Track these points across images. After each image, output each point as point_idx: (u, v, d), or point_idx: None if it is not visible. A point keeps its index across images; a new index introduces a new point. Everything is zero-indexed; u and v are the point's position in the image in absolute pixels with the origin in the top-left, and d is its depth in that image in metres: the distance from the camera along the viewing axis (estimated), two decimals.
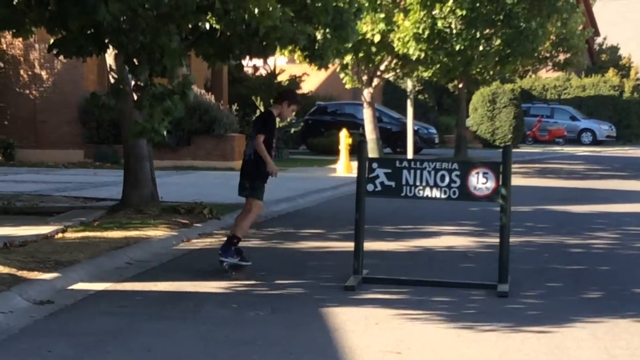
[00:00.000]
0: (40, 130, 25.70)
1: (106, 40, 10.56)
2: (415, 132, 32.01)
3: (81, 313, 8.04)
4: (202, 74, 29.20)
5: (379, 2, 25.23)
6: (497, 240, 9.46)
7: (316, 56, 14.25)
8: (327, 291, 9.14)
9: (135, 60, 10.41)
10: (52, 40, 10.94)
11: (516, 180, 21.39)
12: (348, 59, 27.10)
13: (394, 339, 7.34)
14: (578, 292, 9.41)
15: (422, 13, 24.86)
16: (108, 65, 13.19)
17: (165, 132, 10.60)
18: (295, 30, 12.02)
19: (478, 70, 29.57)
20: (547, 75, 51.83)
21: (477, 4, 25.23)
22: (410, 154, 28.45)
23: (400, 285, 9.45)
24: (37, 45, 24.52)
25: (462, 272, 10.40)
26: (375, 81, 28.99)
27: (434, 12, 24.95)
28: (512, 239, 10.41)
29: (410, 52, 25.20)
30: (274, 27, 11.22)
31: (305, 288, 9.35)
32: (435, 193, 9.57)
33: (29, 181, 19.28)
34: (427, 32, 24.87)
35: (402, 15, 25.49)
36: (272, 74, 34.30)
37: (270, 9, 11.00)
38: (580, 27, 35.43)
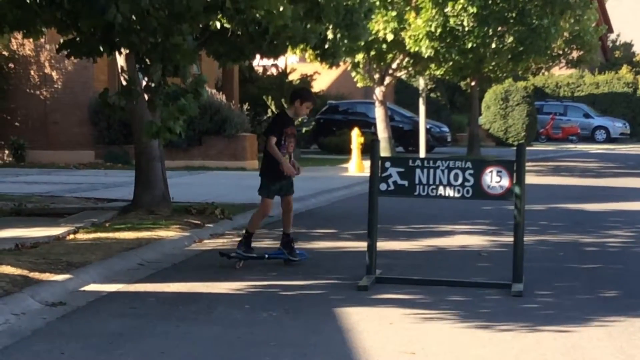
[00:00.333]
0: (50, 131, 25.73)
1: (117, 41, 10.53)
2: (428, 131, 31.91)
3: (93, 314, 8.00)
4: (213, 74, 29.17)
5: (390, 0, 25.15)
6: (511, 239, 9.38)
7: (327, 55, 14.21)
8: (340, 291, 9.08)
9: (147, 60, 10.38)
10: (61, 41, 10.91)
11: (530, 179, 21.28)
12: (359, 57, 27.04)
13: (408, 339, 7.28)
14: (593, 291, 9.33)
15: (434, 11, 24.79)
16: (119, 67, 13.17)
17: (180, 131, 10.57)
18: (306, 29, 11.97)
19: (490, 68, 29.48)
20: (560, 73, 51.67)
21: (489, 2, 25.15)
22: (422, 153, 28.37)
23: (414, 285, 9.38)
24: (47, 46, 24.55)
25: (476, 271, 10.33)
26: (387, 80, 28.94)
27: (445, 10, 24.88)
28: (526, 238, 10.33)
29: (422, 50, 25.13)
30: (285, 26, 11.17)
31: (318, 288, 9.29)
32: (449, 192, 9.51)
33: (40, 182, 19.29)
34: (439, 30, 24.80)
35: (413, 13, 25.42)
36: (283, 73, 34.27)
37: (281, 8, 10.95)
38: (594, 24, 35.26)
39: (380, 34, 25.36)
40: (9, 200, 15.23)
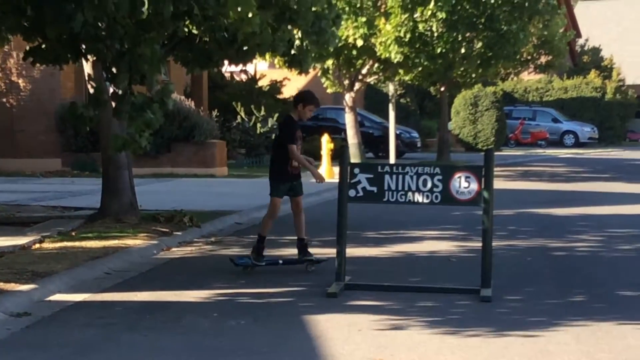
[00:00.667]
0: (17, 139, 25.47)
1: (83, 48, 10.45)
2: (398, 136, 31.96)
3: (59, 325, 7.91)
4: (182, 80, 29.06)
5: (359, 6, 25.17)
6: (480, 244, 9.39)
7: (296, 62, 14.14)
8: (309, 298, 9.05)
9: (113, 68, 10.30)
10: (27, 48, 10.80)
11: (499, 184, 21.34)
12: (329, 63, 27.04)
13: (377, 346, 7.26)
14: (561, 295, 9.36)
15: (403, 16, 24.83)
16: (86, 74, 13.06)
17: (145, 144, 10.50)
18: (275, 36, 11.93)
19: (460, 73, 29.56)
20: (529, 78, 51.93)
21: (459, 7, 25.22)
22: (392, 158, 28.40)
23: (383, 291, 9.37)
24: (14, 53, 24.32)
25: (446, 277, 10.32)
26: (357, 85, 28.95)
27: (415, 16, 24.92)
28: (495, 243, 10.35)
29: (392, 55, 25.16)
30: (253, 33, 11.12)
31: (287, 296, 9.26)
32: (418, 198, 9.51)
33: (6, 191, 19.08)
34: (408, 36, 24.85)
35: (383, 19, 25.45)
36: (253, 79, 34.20)
37: (250, 15, 10.90)
38: (562, 29, 35.48)
39: (350, 40, 25.36)
40: None
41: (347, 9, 24.40)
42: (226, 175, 24.71)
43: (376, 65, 27.81)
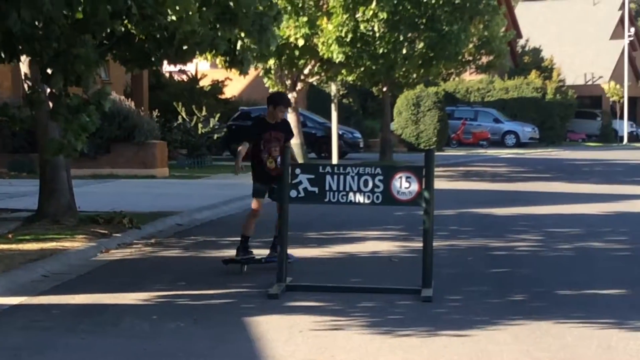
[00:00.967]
0: None
1: (18, 48, 10.25)
2: (340, 137, 31.98)
3: None
4: (122, 80, 28.76)
5: (301, 5, 25.13)
6: (422, 244, 9.41)
7: (237, 62, 14.03)
8: (250, 300, 9.00)
9: (48, 69, 10.14)
10: None
11: (441, 184, 21.52)
12: (271, 63, 26.95)
13: (318, 347, 7.24)
14: (502, 295, 9.41)
15: (345, 16, 24.84)
16: (23, 74, 12.83)
17: (81, 148, 10.36)
18: (215, 35, 11.83)
19: (402, 73, 29.67)
20: (471, 78, 52.37)
21: (400, 8, 25.30)
22: (335, 159, 28.41)
23: (325, 292, 9.34)
24: None
25: (387, 277, 10.33)
26: (299, 85, 28.92)
27: (356, 16, 24.96)
28: (436, 243, 10.39)
29: (334, 55, 25.17)
30: (193, 32, 11.01)
31: (227, 297, 9.19)
32: (359, 198, 9.51)
33: None
34: (350, 36, 24.87)
35: (325, 18, 25.44)
36: (194, 79, 33.98)
37: (190, 13, 10.80)
38: (503, 30, 35.79)
39: (292, 40, 25.32)
40: None
41: (288, 8, 24.34)
42: (167, 176, 24.50)
43: (318, 65, 27.80)
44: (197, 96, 32.35)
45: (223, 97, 35.07)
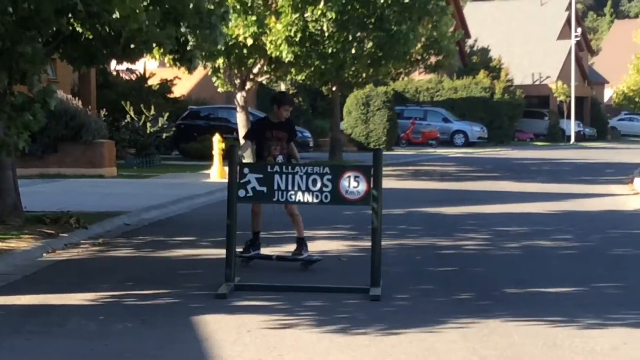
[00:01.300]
0: None
1: None
2: None
3: None
4: (69, 78, 28.45)
5: (250, 4, 25.06)
6: (370, 243, 9.43)
7: (185, 60, 13.95)
8: (198, 300, 8.96)
9: None
10: None
11: (390, 183, 21.64)
12: (220, 62, 26.83)
13: (266, 347, 7.23)
14: (450, 293, 9.46)
15: (293, 16, 24.81)
16: None
17: (23, 146, 10.22)
18: (162, 33, 11.74)
19: (351, 73, 29.71)
20: (420, 78, 52.62)
21: (349, 7, 25.32)
22: None
23: (273, 291, 9.34)
24: None
25: (336, 276, 10.34)
26: (248, 85, 28.83)
27: (305, 15, 24.94)
28: (385, 242, 10.44)
29: (283, 55, 25.13)
30: (140, 30, 10.93)
31: (176, 297, 9.14)
32: (308, 197, 9.53)
33: None
34: (299, 35, 24.85)
35: (274, 17, 25.39)
36: (142, 78, 33.74)
37: (137, 11, 10.71)
38: (451, 30, 36.02)
39: (241, 39, 25.23)
40: None
41: (237, 7, 24.25)
42: (115, 175, 24.30)
43: (267, 64, 27.75)
44: (145, 95, 32.11)
45: (172, 96, 34.86)
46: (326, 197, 9.49)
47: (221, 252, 10.05)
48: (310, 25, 24.86)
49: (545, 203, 19.12)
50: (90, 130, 24.17)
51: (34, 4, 9.54)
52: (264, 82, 33.69)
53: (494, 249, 12.68)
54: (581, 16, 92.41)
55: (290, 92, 39.25)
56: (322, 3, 24.47)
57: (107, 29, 10.98)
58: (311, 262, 10.81)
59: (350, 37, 25.86)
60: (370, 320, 8.09)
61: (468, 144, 50.03)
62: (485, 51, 61.20)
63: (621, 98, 64.55)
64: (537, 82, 65.67)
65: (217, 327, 7.85)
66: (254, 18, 24.69)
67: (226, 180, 9.88)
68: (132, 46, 11.65)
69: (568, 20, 68.94)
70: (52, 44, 12.02)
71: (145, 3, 11.32)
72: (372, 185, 9.35)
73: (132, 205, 16.40)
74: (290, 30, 24.73)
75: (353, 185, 9.42)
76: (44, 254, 11.55)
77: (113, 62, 14.28)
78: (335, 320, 8.12)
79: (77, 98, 25.66)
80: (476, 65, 58.59)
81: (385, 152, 33.80)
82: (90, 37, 11.57)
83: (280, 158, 10.70)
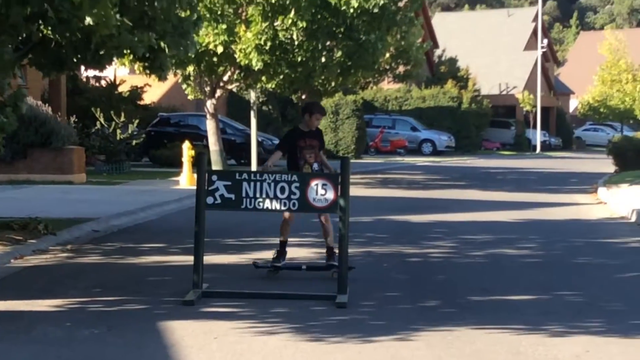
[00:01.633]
0: None
1: None
2: (260, 144, 32.03)
3: None
4: (39, 84, 28.34)
5: (220, 13, 25.11)
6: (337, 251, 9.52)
7: (156, 67, 13.98)
8: (165, 306, 8.99)
9: None
10: None
11: (358, 191, 21.75)
12: (190, 69, 26.86)
13: (233, 354, 7.29)
14: (416, 301, 9.57)
15: (264, 24, 24.87)
16: None
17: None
18: (133, 39, 11.77)
19: (320, 81, 29.80)
20: (389, 87, 52.86)
21: (318, 16, 25.44)
22: (254, 166, 28.44)
23: (241, 298, 9.40)
24: None
25: (303, 283, 10.41)
26: (219, 92, 28.85)
27: (275, 24, 25.01)
28: (352, 250, 10.55)
29: (253, 63, 25.17)
30: (110, 36, 10.95)
31: (143, 304, 9.16)
32: (275, 205, 9.60)
33: None
34: (269, 44, 24.90)
35: (244, 26, 25.46)
36: (113, 85, 33.69)
37: (108, 17, 10.72)
38: (419, 40, 36.20)
39: (211, 47, 25.26)
40: None
41: (207, 15, 24.29)
42: (85, 182, 24.24)
43: (237, 72, 27.79)
44: (115, 102, 32.08)
45: (142, 103, 34.85)
46: (294, 204, 9.59)
47: (190, 259, 10.08)
48: (280, 34, 24.93)
49: (510, 212, 19.31)
50: (60, 136, 24.12)
51: (3, 9, 9.55)
52: (234, 89, 33.71)
53: (460, 257, 12.81)
54: (547, 27, 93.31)
55: (260, 100, 39.32)
56: (292, 12, 24.54)
57: (78, 35, 11.00)
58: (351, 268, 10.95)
59: (320, 46, 25.96)
60: (337, 328, 8.17)
61: (436, 152, 50.34)
62: (453, 61, 61.60)
63: (586, 108, 65.15)
64: (504, 92, 66.22)
65: (184, 333, 7.89)
66: (224, 26, 24.72)
67: (195, 187, 9.93)
68: (102, 52, 11.67)
69: (535, 32, 69.62)
70: (22, 50, 12.03)
71: (115, 9, 11.33)
72: (339, 193, 9.45)
73: (101, 211, 16.40)
74: (260, 39, 24.78)
75: (321, 193, 9.51)
76: (12, 260, 11.53)
77: (83, 69, 14.26)
78: (301, 327, 8.19)
79: (47, 104, 25.59)
80: (444, 75, 58.98)
81: (354, 161, 33.95)
82: (61, 43, 11.59)
83: (315, 166, 10.89)
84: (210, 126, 29.02)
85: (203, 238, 9.62)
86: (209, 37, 24.72)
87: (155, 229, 15.55)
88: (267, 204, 9.59)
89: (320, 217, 10.85)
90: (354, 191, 9.64)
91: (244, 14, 25.86)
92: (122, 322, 8.31)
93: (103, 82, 33.93)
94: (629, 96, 62.31)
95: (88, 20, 10.57)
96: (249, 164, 30.02)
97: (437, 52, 62.48)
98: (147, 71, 14.46)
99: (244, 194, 9.59)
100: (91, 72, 30.77)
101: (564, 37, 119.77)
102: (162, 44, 12.77)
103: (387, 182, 29.03)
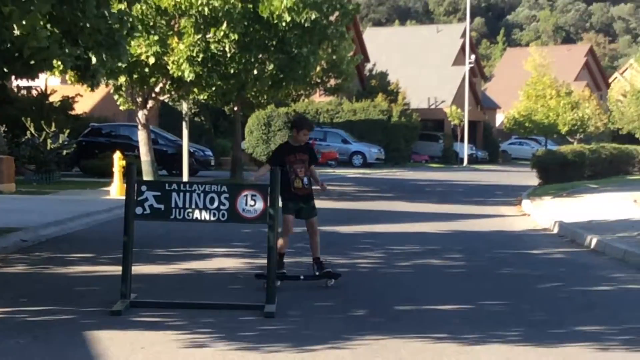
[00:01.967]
0: None
1: None
2: (191, 154, 32.00)
3: None
4: None
5: (152, 24, 25.08)
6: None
7: (87, 77, 13.95)
8: (93, 317, 8.99)
9: None
10: None
11: None
12: (122, 80, 26.76)
13: None
14: (343, 310, 9.70)
15: (196, 37, 24.93)
16: None
17: None
18: (63, 51, 11.76)
19: (252, 93, 29.95)
20: (320, 100, 53.18)
21: (251, 29, 25.59)
22: (185, 176, 28.40)
23: (169, 308, 9.44)
24: None
25: (232, 293, 10.50)
26: (150, 103, 28.77)
27: (207, 36, 25.09)
28: None
29: (185, 74, 25.19)
30: (40, 48, 10.93)
31: (70, 314, 9.14)
32: (205, 215, 9.67)
33: None
34: (201, 55, 24.96)
35: (176, 38, 25.47)
36: (43, 95, 33.36)
37: (36, 29, 10.71)
38: (350, 54, 36.54)
39: (143, 58, 25.21)
40: None
41: (139, 26, 24.24)
42: (14, 191, 23.98)
43: (169, 83, 27.76)
44: (46, 112, 31.78)
45: (73, 113, 34.51)
46: (223, 215, 9.66)
47: (118, 269, 10.08)
48: (213, 46, 25.00)
49: (437, 223, 19.61)
50: None
51: None
52: (166, 100, 33.64)
53: (387, 267, 13.00)
54: (475, 43, 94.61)
55: (192, 111, 39.27)
56: (224, 25, 24.63)
57: (8, 46, 10.96)
58: (337, 275, 11.35)
59: (252, 59, 26.11)
60: (264, 337, 8.26)
61: (366, 164, 50.78)
62: (383, 75, 62.23)
63: (512, 123, 66.48)
64: (433, 106, 67.14)
65: (110, 343, 7.91)
66: (156, 38, 24.71)
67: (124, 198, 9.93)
68: (32, 63, 11.64)
69: (463, 47, 70.70)
70: None
71: (43, 21, 11.31)
72: (269, 204, 9.57)
73: (29, 221, 16.27)
74: (193, 51, 24.82)
75: (250, 203, 9.61)
76: None
77: (13, 78, 14.16)
78: (229, 337, 8.26)
79: None
80: (375, 89, 59.56)
81: None
82: None
83: (305, 180, 11.28)
84: (141, 137, 28.91)
85: (132, 248, 9.64)
86: (141, 47, 24.68)
87: (84, 239, 15.48)
88: (197, 214, 9.65)
89: (307, 227, 11.37)
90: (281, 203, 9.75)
91: (176, 25, 25.88)
92: (48, 332, 8.29)
93: (34, 92, 33.55)
94: (553, 111, 63.88)
95: (17, 31, 10.56)
96: (180, 174, 29.96)
97: (368, 66, 63.07)
98: (80, 80, 14.44)
99: (173, 205, 9.64)
100: (22, 82, 30.39)
101: (491, 53, 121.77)
102: (91, 54, 12.79)
103: (318, 193, 29.05)
